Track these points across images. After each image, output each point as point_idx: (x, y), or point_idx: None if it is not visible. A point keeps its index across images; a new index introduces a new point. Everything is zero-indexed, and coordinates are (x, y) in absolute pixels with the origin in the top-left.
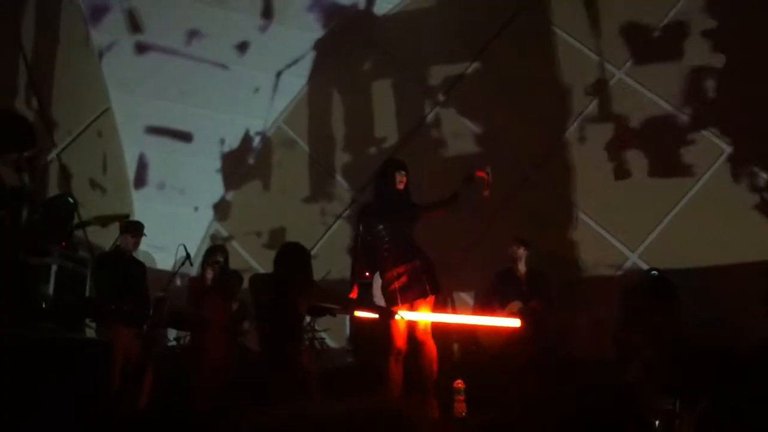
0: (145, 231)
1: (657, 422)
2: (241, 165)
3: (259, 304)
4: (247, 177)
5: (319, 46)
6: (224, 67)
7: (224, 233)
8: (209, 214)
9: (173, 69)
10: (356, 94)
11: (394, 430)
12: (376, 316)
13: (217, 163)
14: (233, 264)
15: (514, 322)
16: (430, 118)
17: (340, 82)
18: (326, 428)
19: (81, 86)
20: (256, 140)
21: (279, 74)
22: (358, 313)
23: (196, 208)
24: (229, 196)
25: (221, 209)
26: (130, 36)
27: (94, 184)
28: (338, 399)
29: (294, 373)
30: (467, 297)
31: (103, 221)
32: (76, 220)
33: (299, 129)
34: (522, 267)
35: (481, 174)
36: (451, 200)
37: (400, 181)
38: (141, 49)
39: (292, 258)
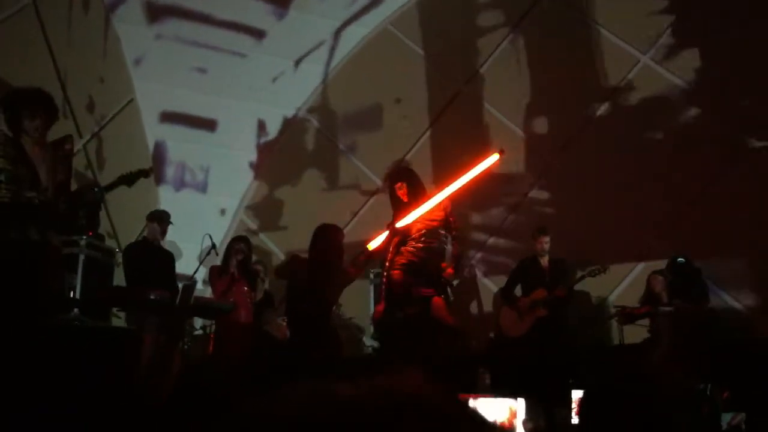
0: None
1: None
2: (263, 155)
3: (293, 285)
4: (272, 167)
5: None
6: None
7: (250, 224)
8: (234, 204)
9: (192, 54)
10: (379, 82)
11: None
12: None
13: (242, 153)
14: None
15: (493, 158)
16: (453, 103)
17: (364, 69)
18: (356, 408)
19: (106, 76)
20: (280, 129)
21: (338, 31)
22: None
23: (223, 211)
24: (253, 187)
25: (246, 200)
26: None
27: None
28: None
29: (326, 349)
30: (490, 283)
31: (128, 180)
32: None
33: (323, 117)
34: (546, 256)
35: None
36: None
37: (404, 194)
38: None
39: (324, 240)
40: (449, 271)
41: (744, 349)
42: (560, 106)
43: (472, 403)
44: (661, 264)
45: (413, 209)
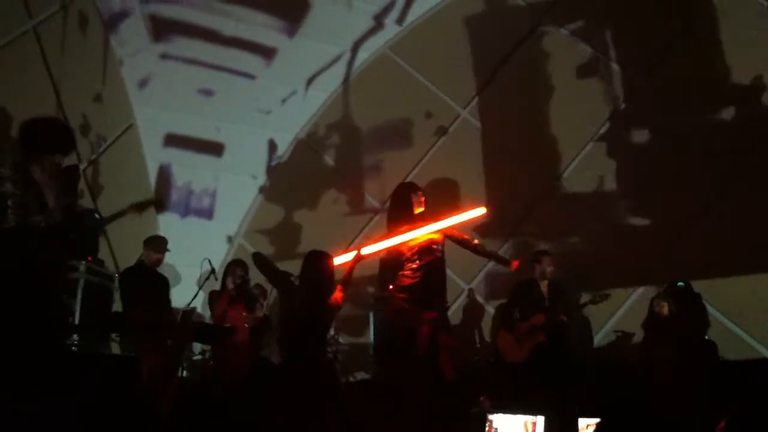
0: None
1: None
2: (271, 179)
3: (285, 315)
4: (272, 190)
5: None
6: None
7: (248, 247)
8: (233, 227)
9: (196, 78)
10: (379, 109)
11: None
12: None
13: (249, 177)
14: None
15: (479, 211)
16: (452, 128)
17: (364, 95)
18: None
19: (105, 100)
20: (289, 152)
21: (355, 46)
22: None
23: (229, 238)
24: (255, 212)
25: (245, 225)
26: (151, 45)
27: (118, 200)
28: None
29: (318, 369)
30: (487, 306)
31: (138, 209)
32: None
33: (322, 143)
34: (545, 280)
35: (515, 265)
36: (476, 247)
37: (419, 202)
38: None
39: (313, 269)
40: (515, 264)
41: (744, 374)
42: (558, 134)
43: (491, 417)
44: (661, 288)
45: (417, 225)
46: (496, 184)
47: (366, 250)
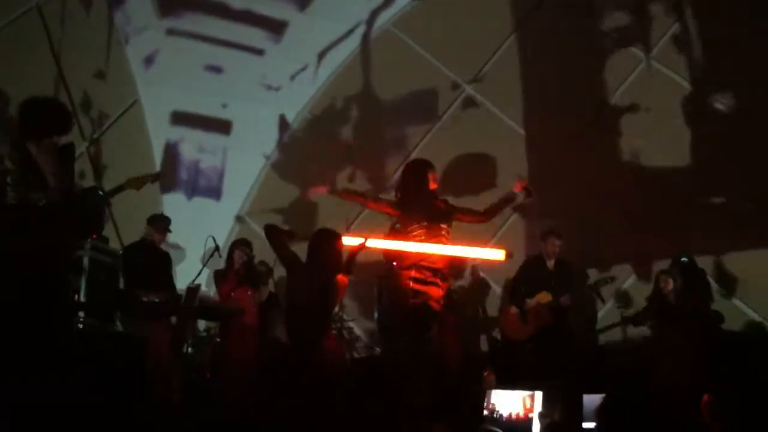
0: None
1: None
2: (274, 155)
3: (291, 297)
4: (280, 168)
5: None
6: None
7: (255, 226)
8: (240, 206)
9: (204, 54)
10: (381, 84)
11: None
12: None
13: (257, 156)
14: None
15: (499, 254)
16: (459, 100)
17: (372, 70)
18: None
19: (109, 78)
20: (289, 130)
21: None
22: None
23: (240, 218)
24: (259, 189)
25: (248, 203)
26: (157, 21)
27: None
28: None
29: (320, 357)
30: (495, 285)
31: (137, 184)
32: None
33: (326, 120)
34: (553, 258)
35: (521, 186)
36: (488, 213)
37: (435, 179)
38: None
39: (320, 250)
40: (518, 185)
41: (748, 349)
42: (562, 105)
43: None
44: (665, 264)
45: (432, 202)
46: (500, 162)
47: (372, 243)
